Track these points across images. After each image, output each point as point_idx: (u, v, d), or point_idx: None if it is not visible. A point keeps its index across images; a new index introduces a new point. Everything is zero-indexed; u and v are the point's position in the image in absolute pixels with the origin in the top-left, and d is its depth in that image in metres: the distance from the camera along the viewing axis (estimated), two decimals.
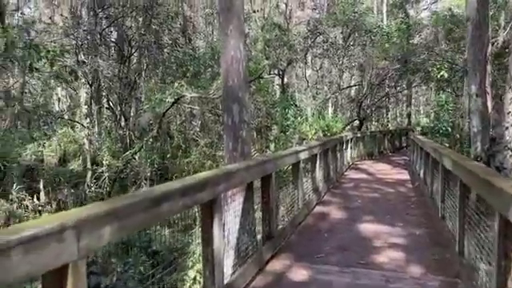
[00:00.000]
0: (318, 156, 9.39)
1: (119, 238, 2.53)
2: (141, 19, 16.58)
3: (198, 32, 23.31)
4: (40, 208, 12.67)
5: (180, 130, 13.42)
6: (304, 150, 7.85)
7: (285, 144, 14.98)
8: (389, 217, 7.52)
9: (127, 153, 11.49)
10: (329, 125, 16.53)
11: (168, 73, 15.43)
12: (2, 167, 12.92)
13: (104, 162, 13.14)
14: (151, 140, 10.61)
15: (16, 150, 14.13)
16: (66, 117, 19.71)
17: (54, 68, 11.41)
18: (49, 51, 9.25)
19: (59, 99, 23.43)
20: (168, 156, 12.44)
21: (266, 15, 27.23)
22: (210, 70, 17.04)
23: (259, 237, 5.30)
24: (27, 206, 12.50)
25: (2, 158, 13.12)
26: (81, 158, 17.13)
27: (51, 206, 12.92)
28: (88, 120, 16.95)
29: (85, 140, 16.70)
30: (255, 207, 5.50)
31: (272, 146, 12.36)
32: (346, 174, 13.70)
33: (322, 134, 16.38)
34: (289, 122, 16.22)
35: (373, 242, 5.90)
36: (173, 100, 10.70)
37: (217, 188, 3.79)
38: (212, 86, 12.77)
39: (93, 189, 14.06)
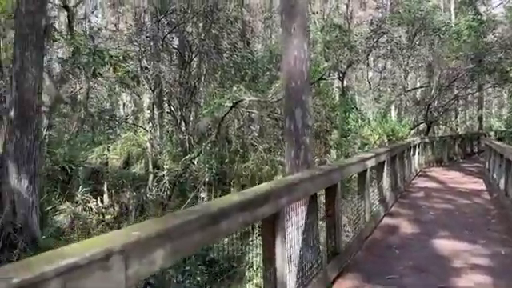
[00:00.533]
0: (386, 163, 8.75)
1: (172, 262, 2.18)
2: (201, 24, 16.68)
3: (257, 36, 23.19)
4: (103, 210, 13.01)
5: (238, 134, 13.26)
6: (371, 158, 7.28)
7: (346, 149, 14.34)
8: (467, 232, 6.75)
9: (186, 157, 11.48)
10: (394, 129, 15.64)
11: (227, 77, 15.37)
12: (69, 170, 13.41)
13: (164, 166, 13.26)
14: (209, 145, 10.49)
15: (82, 154, 14.66)
16: (130, 121, 20.33)
17: (118, 74, 11.69)
18: (111, 57, 9.43)
19: (124, 104, 24.34)
20: (226, 161, 12.30)
21: (325, 16, 26.64)
22: (268, 73, 16.77)
23: (323, 253, 4.86)
24: (91, 208, 12.87)
25: (69, 161, 13.63)
26: (143, 161, 17.55)
27: (114, 208, 13.24)
28: (150, 124, 17.31)
29: (147, 144, 17.06)
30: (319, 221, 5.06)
31: (333, 152, 11.81)
32: (414, 182, 12.81)
33: (386, 139, 15.52)
34: (350, 126, 15.54)
35: (452, 263, 5.24)
36: (231, 104, 10.52)
37: (279, 201, 3.42)
38: (270, 90, 12.46)
39: (154, 192, 14.24)
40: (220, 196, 11.32)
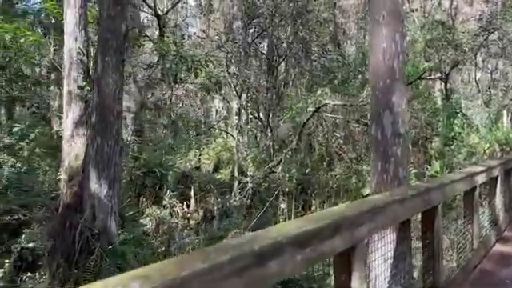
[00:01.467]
0: (499, 178, 7.34)
1: None
2: (289, 28, 16.18)
3: (349, 38, 22.08)
4: (189, 215, 13.04)
5: (322, 141, 12.41)
6: (481, 172, 6.05)
7: (450, 160, 12.72)
8: None
9: (268, 165, 10.98)
10: (508, 137, 13.54)
11: (314, 81, 14.64)
12: (159, 174, 13.70)
13: (248, 172, 12.92)
14: (290, 152, 9.87)
15: (171, 158, 14.95)
16: (219, 126, 20.52)
17: (200, 79, 11.65)
18: (194, 62, 9.31)
19: (217, 110, 24.81)
20: (308, 170, 11.54)
21: (426, 14, 24.57)
22: (360, 76, 15.70)
23: None
24: (178, 212, 12.98)
25: (159, 164, 13.95)
26: (231, 166, 17.52)
27: (198, 213, 13.21)
28: (237, 130, 17.21)
29: (234, 149, 16.97)
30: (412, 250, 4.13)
31: (436, 163, 10.41)
32: None
33: (498, 149, 13.51)
34: (454, 134, 13.81)
35: None
36: (314, 109, 9.79)
37: (357, 231, 2.66)
38: (362, 94, 11.48)
39: (237, 198, 13.99)
40: (302, 208, 10.61)
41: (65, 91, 7.94)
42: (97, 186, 7.10)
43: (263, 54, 17.74)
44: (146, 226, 11.09)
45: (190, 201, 14.49)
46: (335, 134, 11.84)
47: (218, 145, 19.09)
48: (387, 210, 3.11)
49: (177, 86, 12.47)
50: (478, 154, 14.72)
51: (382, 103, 4.36)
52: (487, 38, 19.91)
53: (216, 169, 18.56)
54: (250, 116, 16.95)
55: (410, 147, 17.01)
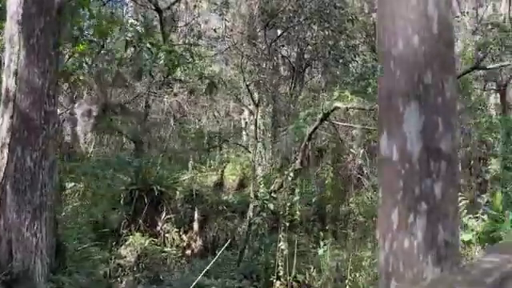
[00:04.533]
0: None
1: None
2: (315, 27, 14.01)
3: None
4: (185, 243, 10.98)
5: (337, 159, 9.91)
6: None
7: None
8: None
9: (269, 189, 8.74)
10: None
11: (343, 88, 12.36)
12: (157, 193, 11.80)
13: (259, 193, 10.75)
14: (291, 174, 7.63)
15: (173, 176, 13.04)
16: (244, 139, 18.52)
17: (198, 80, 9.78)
18: (192, 57, 7.42)
19: (246, 122, 22.83)
20: (314, 198, 9.15)
21: (479, 18, 21.75)
22: None
23: None
24: (173, 239, 10.98)
25: (156, 181, 12.08)
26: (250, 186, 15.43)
27: (195, 241, 11.12)
28: (255, 144, 15.11)
29: (251, 166, 14.88)
30: None
31: (496, 194, 7.80)
32: None
33: None
34: None
35: None
36: (322, 115, 7.49)
37: None
38: None
39: (246, 224, 11.77)
40: (314, 245, 8.16)
41: (3, 88, 6.14)
42: (15, 214, 5.20)
43: (285, 57, 15.66)
44: (129, 258, 9.13)
45: (193, 224, 12.49)
46: (351, 150, 9.33)
47: (245, 159, 17.08)
48: None
49: (171, 89, 10.58)
50: None
51: (401, 86, 2.16)
52: None
53: (241, 186, 16.53)
54: (268, 128, 14.82)
55: (459, 168, 14.24)
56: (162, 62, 7.63)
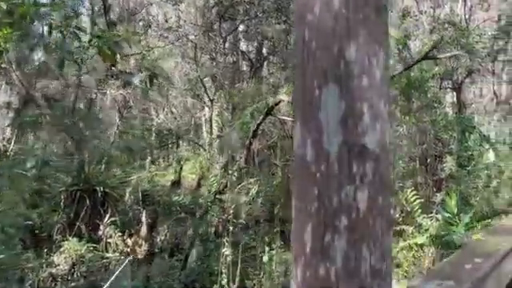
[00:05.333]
0: None
1: None
2: (273, 21, 13.51)
3: None
4: (129, 249, 10.21)
5: (286, 158, 9.47)
6: None
7: (466, 186, 9.89)
8: None
9: (216, 190, 8.12)
10: None
11: None
12: (100, 194, 10.96)
13: (210, 193, 10.11)
14: (236, 174, 7.05)
15: (120, 175, 12.21)
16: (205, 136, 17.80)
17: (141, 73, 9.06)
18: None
19: (205, 120, 22.09)
20: (260, 200, 8.59)
21: (436, 18, 21.98)
22: None
23: None
24: (116, 244, 10.19)
25: (101, 182, 11.24)
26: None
27: (140, 246, 10.36)
28: (212, 141, 14.48)
29: (205, 165, 14.29)
30: None
31: (450, 196, 7.48)
32: None
33: None
34: (471, 153, 10.96)
35: None
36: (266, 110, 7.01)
37: None
38: None
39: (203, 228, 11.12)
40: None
41: None
42: None
43: (244, 52, 15.14)
44: (62, 266, 8.29)
45: (140, 228, 11.72)
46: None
47: (204, 157, 16.38)
48: None
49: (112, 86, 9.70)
50: (497, 178, 11.85)
51: (317, 62, 1.64)
52: (507, 42, 17.25)
53: (200, 185, 15.80)
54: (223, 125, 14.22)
55: (417, 165, 14.15)
56: (92, 50, 6.88)
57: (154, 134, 14.73)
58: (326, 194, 1.62)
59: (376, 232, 1.64)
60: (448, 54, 11.97)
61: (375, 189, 1.64)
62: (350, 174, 1.61)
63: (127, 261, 7.89)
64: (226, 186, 7.93)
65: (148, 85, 9.47)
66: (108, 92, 9.76)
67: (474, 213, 7.86)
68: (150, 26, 12.14)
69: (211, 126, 13.54)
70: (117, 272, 6.45)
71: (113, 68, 9.75)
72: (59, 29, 6.02)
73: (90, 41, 6.67)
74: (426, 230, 7.49)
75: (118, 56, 8.00)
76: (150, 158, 16.30)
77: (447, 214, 7.08)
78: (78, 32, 5.61)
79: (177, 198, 12.40)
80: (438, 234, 6.74)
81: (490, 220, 6.91)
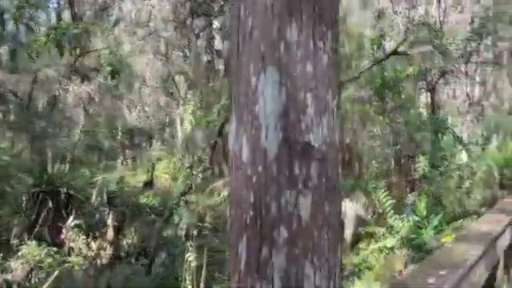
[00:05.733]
0: None
1: None
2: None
3: None
4: (93, 254, 9.76)
5: None
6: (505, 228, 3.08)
7: (437, 186, 9.85)
8: None
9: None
10: (509, 159, 10.76)
11: None
12: (63, 196, 10.48)
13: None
14: (201, 175, 6.75)
15: (87, 175, 11.73)
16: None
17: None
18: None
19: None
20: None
21: (411, 18, 22.17)
22: None
23: None
24: (80, 248, 9.74)
25: (65, 183, 10.76)
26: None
27: (105, 250, 9.93)
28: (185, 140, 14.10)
29: (179, 164, 13.89)
30: None
31: (421, 199, 7.39)
32: None
33: (496, 174, 10.72)
34: (443, 153, 10.95)
35: None
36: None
37: None
38: None
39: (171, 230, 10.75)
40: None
41: None
42: None
43: (217, 50, 14.84)
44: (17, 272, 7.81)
45: (107, 232, 11.26)
46: None
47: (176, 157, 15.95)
48: None
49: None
50: (469, 178, 11.92)
51: (253, 44, 1.38)
52: (479, 44, 17.46)
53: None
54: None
55: (392, 164, 14.13)
56: (46, 42, 6.44)
57: (124, 133, 14.27)
58: (263, 201, 1.37)
59: (321, 245, 1.39)
60: (417, 50, 12.01)
61: (321, 194, 1.39)
62: (292, 177, 1.37)
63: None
64: (190, 188, 7.62)
65: (109, 81, 9.06)
66: (71, 88, 9.32)
67: (446, 214, 7.79)
68: (119, 22, 11.70)
69: (181, 124, 13.20)
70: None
71: (76, 63, 9.31)
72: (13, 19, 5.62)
73: (47, 34, 6.29)
74: (398, 232, 7.35)
75: (78, 50, 7.63)
76: (121, 157, 15.84)
77: (416, 218, 6.96)
78: (31, 24, 5.22)
79: (146, 199, 11.99)
80: (408, 236, 6.61)
81: (461, 221, 6.83)
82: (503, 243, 3.17)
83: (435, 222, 6.54)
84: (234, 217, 1.45)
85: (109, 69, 9.20)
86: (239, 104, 1.44)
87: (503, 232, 3.17)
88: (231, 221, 1.48)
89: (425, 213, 6.90)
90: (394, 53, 10.44)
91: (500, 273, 3.09)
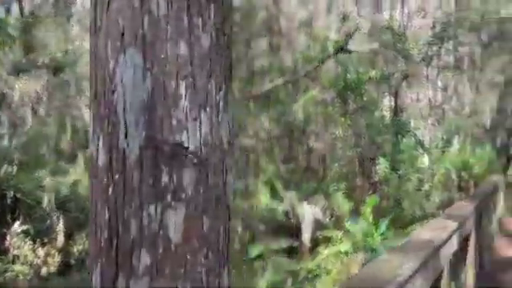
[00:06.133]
0: (472, 235, 4.27)
1: None
2: None
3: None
4: (40, 261, 9.19)
5: None
6: (450, 237, 2.91)
7: (397, 189, 9.84)
8: None
9: None
10: (466, 161, 10.88)
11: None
12: (10, 200, 9.86)
13: None
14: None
15: (39, 178, 11.11)
16: None
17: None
18: None
19: None
20: None
21: (375, 22, 22.45)
22: None
23: None
24: (26, 255, 9.15)
25: (12, 187, 10.14)
26: None
27: (53, 258, 9.37)
28: None
29: None
30: None
31: (370, 200, 7.27)
32: (499, 249, 7.99)
33: (454, 176, 10.82)
34: (404, 156, 10.96)
35: None
36: None
37: None
38: None
39: None
40: None
41: None
42: None
43: None
44: None
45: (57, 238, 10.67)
46: None
47: None
48: None
49: None
50: (429, 181, 12.01)
51: (111, 19, 1.08)
52: (441, 47, 17.79)
53: None
54: None
55: (356, 167, 14.10)
56: None
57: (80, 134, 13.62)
58: (120, 218, 1.07)
59: (198, 273, 1.11)
60: (365, 48, 12.18)
61: (197, 207, 1.11)
62: (157, 187, 1.08)
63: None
64: None
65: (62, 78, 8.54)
66: (17, 86, 8.74)
67: (404, 217, 7.70)
68: (72, 16, 11.12)
69: None
70: None
71: (23, 60, 8.74)
72: None
73: None
74: (355, 236, 7.21)
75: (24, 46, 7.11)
76: (79, 159, 15.16)
77: (359, 225, 6.80)
78: None
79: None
80: (360, 240, 6.46)
81: (413, 225, 6.73)
82: (448, 251, 3.00)
83: (383, 228, 6.41)
84: (91, 238, 1.15)
85: (55, 65, 8.68)
86: (96, 95, 1.14)
87: (449, 239, 3.00)
88: (90, 241, 1.18)
89: (371, 218, 6.76)
90: (342, 49, 10.52)
91: (444, 282, 2.93)
